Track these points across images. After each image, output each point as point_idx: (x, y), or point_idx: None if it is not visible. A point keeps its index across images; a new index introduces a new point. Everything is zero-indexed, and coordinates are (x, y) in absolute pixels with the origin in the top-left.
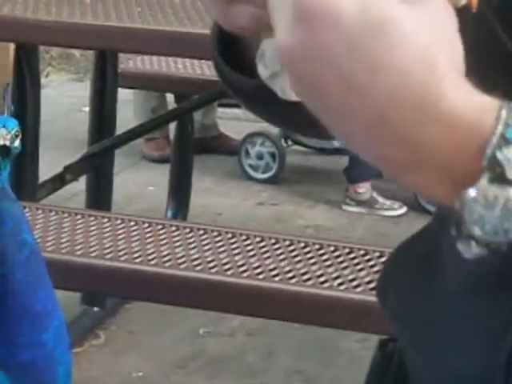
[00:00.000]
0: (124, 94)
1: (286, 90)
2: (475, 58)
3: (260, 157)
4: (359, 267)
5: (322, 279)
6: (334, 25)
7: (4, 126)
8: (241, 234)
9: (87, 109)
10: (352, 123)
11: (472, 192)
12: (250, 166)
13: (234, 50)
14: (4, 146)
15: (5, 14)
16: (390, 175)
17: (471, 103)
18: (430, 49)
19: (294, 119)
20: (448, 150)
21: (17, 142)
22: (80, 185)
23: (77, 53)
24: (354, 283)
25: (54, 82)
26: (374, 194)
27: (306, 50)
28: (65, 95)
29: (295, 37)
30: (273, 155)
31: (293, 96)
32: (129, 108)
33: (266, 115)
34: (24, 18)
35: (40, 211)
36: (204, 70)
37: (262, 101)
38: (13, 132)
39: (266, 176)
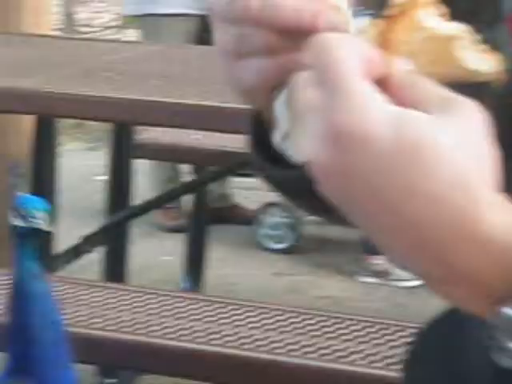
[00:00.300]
0: (143, 165)
1: (296, 150)
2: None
3: (276, 227)
4: (377, 342)
5: (338, 354)
6: (367, 146)
7: (36, 208)
8: (259, 307)
9: (101, 178)
10: (388, 240)
11: (508, 310)
12: (266, 236)
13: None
14: (38, 230)
15: (23, 87)
16: (425, 283)
17: (507, 224)
18: (465, 171)
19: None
20: (484, 268)
21: (47, 222)
22: (97, 255)
23: (91, 122)
24: (373, 358)
25: (68, 152)
26: (390, 265)
27: (338, 168)
28: (79, 164)
29: (325, 153)
30: (289, 225)
31: (303, 158)
32: (144, 178)
33: (302, 205)
34: (42, 90)
35: (57, 283)
36: (221, 141)
37: (298, 192)
38: (44, 213)
39: (281, 246)
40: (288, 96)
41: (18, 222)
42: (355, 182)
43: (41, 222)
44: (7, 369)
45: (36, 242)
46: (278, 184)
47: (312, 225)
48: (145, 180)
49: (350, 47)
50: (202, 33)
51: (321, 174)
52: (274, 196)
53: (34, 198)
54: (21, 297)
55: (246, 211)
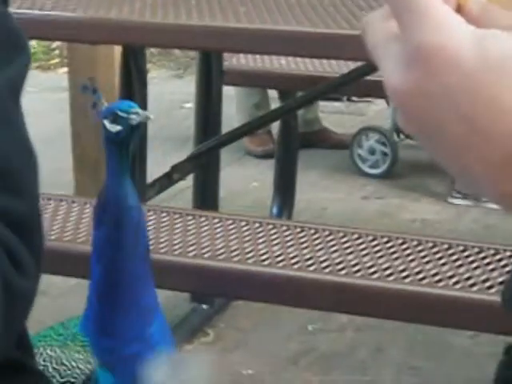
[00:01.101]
0: (225, 90)
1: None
2: None
3: (372, 152)
4: (474, 265)
5: (436, 278)
6: (454, 65)
7: (132, 107)
8: (352, 233)
9: (189, 105)
10: (473, 161)
11: None
12: (361, 159)
13: None
14: (132, 128)
15: (112, 18)
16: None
17: None
18: None
19: None
20: None
21: (140, 118)
22: (186, 182)
23: (176, 49)
24: (470, 282)
25: (154, 79)
26: None
27: (423, 90)
28: (166, 92)
29: (410, 77)
30: (385, 150)
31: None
32: (230, 103)
33: None
34: (130, 20)
35: (151, 212)
36: (307, 66)
37: None
38: (136, 110)
39: (376, 171)
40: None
41: (112, 128)
42: (442, 103)
43: (137, 116)
44: (95, 281)
45: (132, 146)
46: None
47: (406, 148)
48: (232, 106)
49: None
50: None
51: (405, 99)
52: (360, 120)
53: (121, 101)
54: (113, 206)
55: (333, 135)
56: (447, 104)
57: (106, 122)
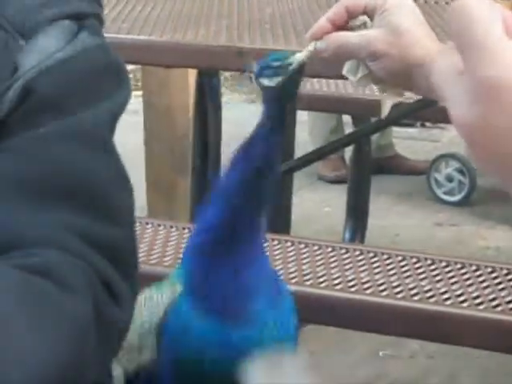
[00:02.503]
0: (298, 115)
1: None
2: None
3: (450, 179)
4: None
5: (511, 305)
6: None
7: (281, 55)
8: (425, 259)
9: None
10: None
11: None
12: (438, 185)
13: None
14: (299, 73)
15: (187, 42)
16: None
17: None
18: None
19: None
20: None
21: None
22: None
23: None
24: None
25: (228, 104)
26: None
27: (490, 124)
28: (239, 116)
29: (476, 111)
30: (463, 177)
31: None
32: (302, 128)
33: None
34: (205, 44)
35: None
36: None
37: None
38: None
39: (453, 199)
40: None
41: (268, 82)
42: (509, 136)
43: (295, 63)
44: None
45: (294, 95)
46: None
47: (483, 176)
48: (305, 132)
49: (488, 8)
50: None
51: (472, 133)
52: (433, 146)
53: (267, 56)
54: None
55: (406, 161)
56: None
57: (264, 80)
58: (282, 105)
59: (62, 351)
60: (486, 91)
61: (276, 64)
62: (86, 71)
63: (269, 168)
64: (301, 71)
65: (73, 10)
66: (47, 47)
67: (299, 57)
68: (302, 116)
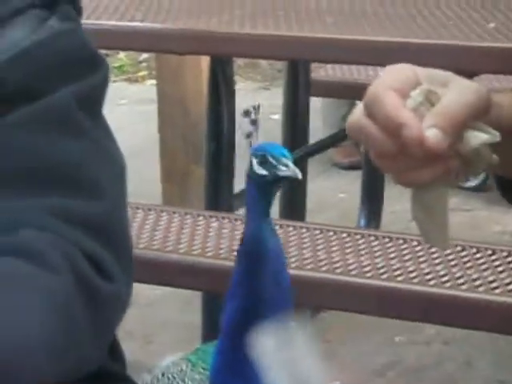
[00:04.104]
0: (311, 102)
1: None
2: None
3: None
4: None
5: None
6: None
7: (284, 156)
8: None
9: (276, 117)
10: None
11: None
12: None
13: None
14: (282, 178)
15: (200, 29)
16: None
17: None
18: None
19: None
20: None
21: (293, 171)
22: None
23: (263, 61)
24: None
25: (241, 91)
26: None
27: None
28: (253, 104)
29: None
30: None
31: None
32: (316, 116)
33: None
34: (219, 31)
35: (239, 222)
36: None
37: None
38: (289, 161)
39: (469, 184)
40: None
41: (260, 171)
42: None
43: (286, 169)
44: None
45: (275, 191)
46: None
47: None
48: (318, 118)
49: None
50: None
51: None
52: None
53: (275, 145)
54: (253, 251)
55: None
56: None
57: (254, 161)
58: (260, 191)
59: (33, 324)
60: None
61: (271, 159)
62: (52, 56)
63: (264, 258)
64: (287, 178)
65: None
66: (14, 37)
67: (293, 170)
68: (316, 103)
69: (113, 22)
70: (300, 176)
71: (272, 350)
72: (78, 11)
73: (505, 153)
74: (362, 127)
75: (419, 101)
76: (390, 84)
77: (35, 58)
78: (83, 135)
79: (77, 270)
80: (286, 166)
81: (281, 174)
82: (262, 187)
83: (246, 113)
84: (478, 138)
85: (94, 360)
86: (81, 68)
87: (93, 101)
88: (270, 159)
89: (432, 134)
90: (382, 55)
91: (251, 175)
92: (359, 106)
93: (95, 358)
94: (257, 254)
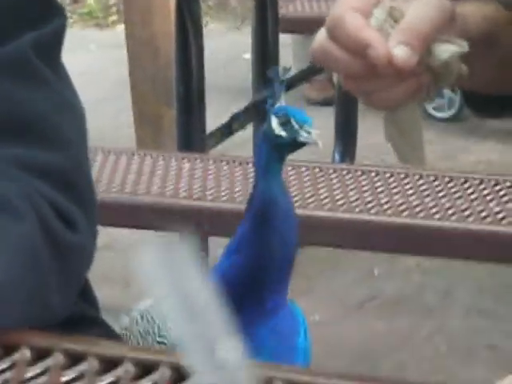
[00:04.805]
0: (281, 38)
1: None
2: None
3: (440, 95)
4: None
5: (499, 216)
6: None
7: (307, 122)
8: (413, 174)
9: (247, 56)
10: None
11: None
12: (429, 102)
13: None
14: (300, 143)
15: None
16: None
17: None
18: None
19: None
20: None
21: (312, 137)
22: (246, 133)
23: (233, 1)
24: None
25: (212, 32)
26: None
27: None
28: (224, 44)
29: None
30: (453, 93)
31: None
32: (286, 52)
33: None
34: None
35: (211, 161)
36: None
37: None
38: (310, 127)
39: (443, 115)
40: None
41: (280, 131)
42: None
43: (307, 136)
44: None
45: (288, 154)
46: None
47: None
48: (288, 54)
49: None
50: None
51: None
52: None
53: (299, 110)
54: (264, 210)
55: None
56: None
57: (275, 121)
58: (273, 150)
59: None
60: None
61: (293, 123)
62: (9, 4)
63: (273, 214)
64: (304, 144)
65: None
66: None
67: (313, 137)
68: (286, 39)
69: None
70: (321, 145)
71: (155, 267)
72: None
73: (472, 63)
74: (326, 52)
75: (382, 18)
76: (350, 4)
77: None
78: (44, 84)
79: (43, 218)
80: (308, 132)
81: (301, 139)
82: (278, 148)
83: (274, 72)
84: (447, 50)
85: (61, 308)
86: (36, 16)
87: (51, 49)
88: (293, 122)
89: (400, 52)
90: None
91: (269, 134)
92: (322, 31)
93: (62, 306)
94: (267, 213)
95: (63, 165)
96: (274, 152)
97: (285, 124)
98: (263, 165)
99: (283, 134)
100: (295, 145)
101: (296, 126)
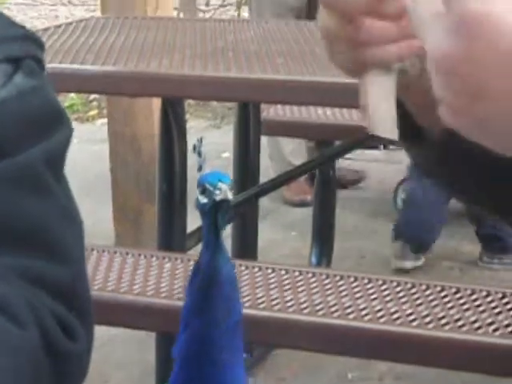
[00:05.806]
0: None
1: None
2: None
3: None
4: (497, 311)
5: (476, 325)
6: (500, 32)
7: (221, 181)
8: (391, 281)
9: (226, 155)
10: None
11: None
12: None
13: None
14: (225, 201)
15: (151, 71)
16: None
17: None
18: None
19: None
20: None
21: (230, 196)
22: (226, 232)
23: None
24: (510, 329)
25: (191, 129)
26: None
27: (473, 55)
28: (204, 142)
29: (459, 43)
30: None
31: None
32: (263, 151)
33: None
34: (169, 73)
35: (191, 262)
36: (345, 116)
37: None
38: (229, 186)
39: None
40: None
41: (202, 200)
42: (491, 66)
43: (219, 193)
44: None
45: (223, 218)
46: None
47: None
48: (265, 152)
49: None
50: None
51: (455, 65)
52: (397, 168)
53: (215, 173)
54: (208, 278)
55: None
56: (497, 67)
57: (197, 191)
58: (208, 220)
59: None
60: (470, 24)
61: (208, 186)
62: (20, 115)
63: (216, 284)
64: (227, 201)
65: (2, 55)
66: None
67: (224, 191)
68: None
69: (64, 65)
70: (230, 196)
71: None
72: (42, 66)
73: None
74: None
75: None
76: None
77: (3, 116)
78: (49, 196)
79: (44, 328)
80: (220, 189)
81: (217, 198)
82: (208, 215)
83: (194, 148)
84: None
85: None
86: (46, 127)
87: (58, 161)
88: (208, 186)
89: None
90: (329, 95)
91: (197, 205)
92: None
93: None
94: (211, 280)
95: (67, 279)
96: (208, 220)
97: (203, 191)
98: (204, 235)
99: (205, 200)
100: (217, 206)
101: (211, 189)
